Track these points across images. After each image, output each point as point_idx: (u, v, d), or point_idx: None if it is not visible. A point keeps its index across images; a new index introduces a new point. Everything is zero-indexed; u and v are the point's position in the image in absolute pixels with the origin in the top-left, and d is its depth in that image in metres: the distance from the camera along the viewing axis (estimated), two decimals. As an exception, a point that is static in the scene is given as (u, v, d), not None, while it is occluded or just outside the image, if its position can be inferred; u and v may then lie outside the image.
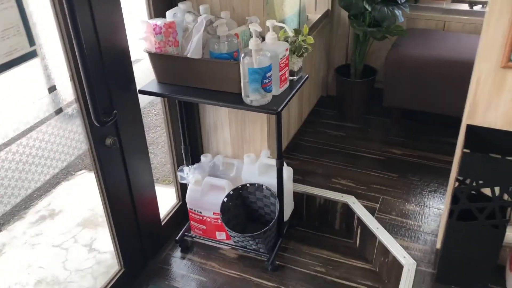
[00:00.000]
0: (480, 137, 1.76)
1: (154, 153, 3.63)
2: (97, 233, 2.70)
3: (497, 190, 1.69)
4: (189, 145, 2.37)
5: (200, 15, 1.96)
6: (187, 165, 2.40)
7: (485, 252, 1.80)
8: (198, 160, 2.43)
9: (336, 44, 3.48)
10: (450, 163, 2.73)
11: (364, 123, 3.26)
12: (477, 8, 3.31)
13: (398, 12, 2.78)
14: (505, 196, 1.69)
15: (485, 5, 3.29)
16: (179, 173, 2.34)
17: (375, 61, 3.42)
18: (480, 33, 3.16)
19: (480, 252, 1.81)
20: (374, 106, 3.37)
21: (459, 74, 2.80)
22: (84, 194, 3.12)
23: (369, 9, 2.72)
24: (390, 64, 3.00)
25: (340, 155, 2.89)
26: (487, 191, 1.78)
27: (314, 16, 3.13)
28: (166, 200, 2.57)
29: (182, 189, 2.55)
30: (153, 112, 4.30)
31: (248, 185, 2.31)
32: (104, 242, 2.59)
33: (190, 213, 2.40)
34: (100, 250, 2.56)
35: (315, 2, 3.21)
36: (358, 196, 2.49)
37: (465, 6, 3.33)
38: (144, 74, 2.12)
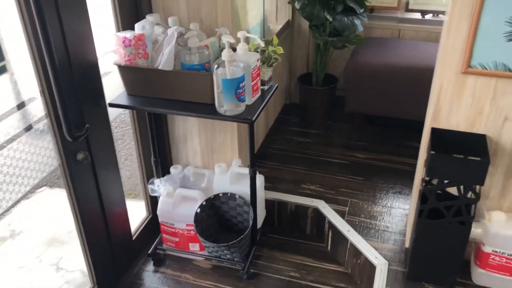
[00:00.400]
0: (444, 139, 1.85)
1: (118, 167, 3.56)
2: (63, 251, 2.61)
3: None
4: (159, 157, 2.36)
5: (169, 27, 1.97)
6: (158, 177, 2.38)
7: (453, 248, 1.89)
8: (167, 172, 2.42)
9: (297, 53, 3.56)
10: (411, 165, 2.85)
11: (328, 129, 3.35)
12: (428, 17, 3.48)
13: (357, 22, 2.89)
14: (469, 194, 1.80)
15: (435, 14, 3.47)
16: (150, 186, 2.32)
17: (335, 69, 3.53)
18: (432, 40, 3.33)
19: (448, 248, 1.90)
20: (336, 113, 3.47)
21: (415, 79, 2.94)
22: (46, 211, 3.02)
23: (330, 19, 2.81)
24: (350, 72, 3.11)
25: (307, 161, 2.95)
26: (450, 189, 1.88)
27: (276, 26, 3.20)
28: (134, 214, 2.53)
29: (152, 202, 2.52)
30: (113, 125, 4.23)
31: (220, 194, 2.32)
32: (72, 260, 2.52)
33: (162, 226, 2.38)
34: (68, 269, 2.48)
35: (276, 13, 3.28)
36: (327, 201, 2.55)
37: (417, 15, 3.50)
38: (110, 87, 2.10)
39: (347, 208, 2.51)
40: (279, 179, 2.77)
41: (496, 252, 1.90)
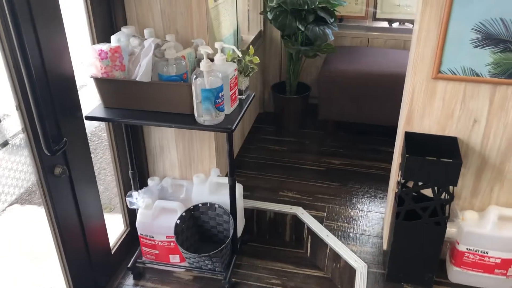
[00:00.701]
0: (417, 142, 1.92)
1: (92, 181, 3.50)
2: (40, 268, 2.55)
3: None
4: (136, 169, 2.34)
5: (145, 39, 1.97)
6: (135, 190, 2.36)
7: (429, 248, 1.95)
8: (145, 185, 2.40)
9: (270, 63, 3.61)
10: (385, 169, 2.93)
11: (302, 137, 3.40)
12: (395, 25, 3.60)
13: (328, 31, 2.96)
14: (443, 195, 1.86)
15: (402, 23, 3.59)
16: (128, 199, 2.30)
17: (308, 78, 3.60)
18: (400, 47, 3.43)
19: (425, 248, 1.96)
20: (310, 120, 3.53)
21: (385, 86, 3.02)
22: (18, 229, 2.93)
23: (302, 29, 2.87)
24: (323, 80, 3.17)
25: (283, 169, 2.99)
26: (424, 191, 1.95)
27: (248, 36, 3.24)
28: (111, 227, 2.50)
29: (129, 215, 2.50)
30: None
31: (200, 205, 2.32)
32: (49, 277, 2.46)
33: (141, 239, 2.36)
34: (46, 287, 2.42)
35: (248, 24, 3.32)
36: (305, 207, 2.58)
37: (385, 24, 3.61)
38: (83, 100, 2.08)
39: (325, 214, 2.55)
40: (257, 187, 2.79)
41: (470, 250, 1.96)
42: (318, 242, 2.39)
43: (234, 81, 1.93)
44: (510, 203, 1.99)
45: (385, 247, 2.26)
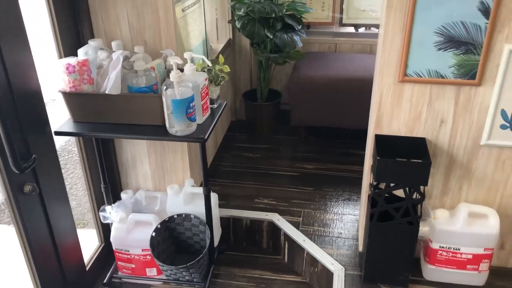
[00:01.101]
0: (387, 144, 1.95)
1: (63, 197, 3.43)
2: (11, 290, 2.48)
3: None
4: (109, 183, 2.31)
5: (113, 51, 1.95)
6: (109, 204, 2.33)
7: (403, 247, 1.99)
8: (118, 198, 2.37)
9: (240, 71, 3.63)
10: (357, 171, 2.97)
11: (275, 143, 3.42)
12: (361, 30, 3.67)
13: (296, 38, 2.99)
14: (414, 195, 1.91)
15: (368, 28, 3.66)
16: (101, 214, 2.26)
17: (278, 84, 3.63)
18: (367, 52, 3.50)
19: (399, 248, 1.99)
20: (282, 126, 3.55)
21: (354, 90, 3.08)
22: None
23: (271, 37, 2.90)
24: (293, 87, 3.20)
25: (258, 176, 2.99)
26: (396, 192, 1.99)
27: (218, 45, 3.24)
28: (85, 243, 2.45)
29: (103, 230, 2.46)
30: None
31: (175, 216, 2.30)
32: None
33: (117, 253, 2.32)
34: (18, 308, 2.35)
35: (217, 32, 3.33)
36: (281, 213, 2.59)
37: (351, 29, 3.68)
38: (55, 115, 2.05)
39: (301, 219, 2.57)
40: (232, 195, 2.78)
41: (443, 247, 2.01)
42: (295, 248, 2.40)
43: (205, 90, 1.93)
44: (479, 200, 2.05)
45: (360, 248, 2.29)
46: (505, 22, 1.70)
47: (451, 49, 1.78)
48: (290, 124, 3.36)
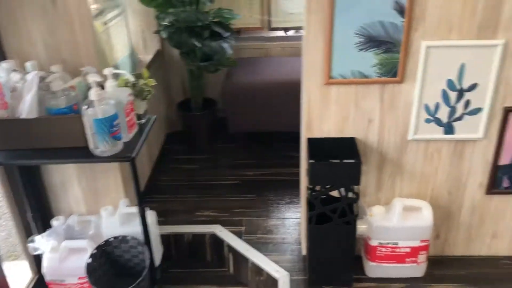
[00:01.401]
0: (319, 146, 1.96)
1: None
2: None
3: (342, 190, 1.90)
4: (37, 211, 2.17)
5: (27, 72, 1.84)
6: (39, 233, 2.19)
7: (344, 247, 2.00)
8: (49, 226, 2.24)
9: (172, 81, 3.55)
10: (298, 174, 2.97)
11: (214, 153, 3.37)
12: (291, 33, 3.70)
13: (226, 45, 2.96)
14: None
15: (297, 30, 3.70)
16: (29, 245, 2.13)
17: (213, 92, 3.58)
18: (298, 55, 3.52)
19: (340, 248, 2.01)
20: (220, 135, 3.51)
21: (288, 93, 3.08)
22: None
23: (199, 46, 2.85)
24: (227, 94, 3.17)
25: (198, 188, 2.93)
26: (334, 193, 2.00)
27: (146, 57, 3.16)
28: (17, 277, 2.30)
29: (36, 261, 2.31)
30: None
31: (111, 239, 2.20)
32: None
33: (51, 285, 2.19)
34: None
35: (144, 44, 3.24)
36: (223, 224, 2.55)
37: (281, 33, 3.70)
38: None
39: (244, 228, 2.54)
40: (172, 211, 2.71)
41: (382, 243, 2.04)
42: (239, 258, 2.37)
43: (130, 106, 1.86)
44: (412, 193, 2.10)
45: (304, 252, 2.29)
46: (420, 20, 1.76)
47: (372, 49, 1.81)
48: (228, 132, 3.33)
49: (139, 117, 2.00)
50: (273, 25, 3.71)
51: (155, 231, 2.33)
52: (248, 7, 3.64)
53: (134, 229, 2.19)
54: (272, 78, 3.16)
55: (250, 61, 3.48)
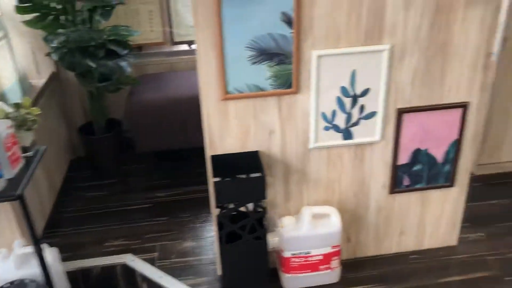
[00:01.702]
0: (223, 163, 1.92)
1: None
2: None
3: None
4: None
5: None
6: None
7: (257, 262, 1.97)
8: None
9: (71, 104, 3.34)
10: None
11: (123, 176, 3.20)
12: (194, 46, 3.63)
13: (123, 64, 2.83)
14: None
15: (200, 44, 3.64)
16: None
17: (116, 112, 3.41)
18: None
19: (253, 264, 1.97)
20: (129, 156, 3.35)
21: (194, 108, 3.01)
22: None
23: (94, 66, 2.70)
24: (130, 113, 3.04)
25: (107, 216, 2.77)
26: (243, 208, 1.96)
27: (39, 81, 2.95)
28: None
29: None
30: None
31: (7, 285, 1.99)
32: None
33: None
34: None
35: (37, 67, 3.02)
36: (135, 252, 2.42)
37: (185, 47, 3.63)
38: None
39: (157, 254, 2.42)
40: (79, 244, 2.52)
41: (294, 254, 2.03)
42: (153, 287, 2.25)
43: (11, 139, 1.69)
44: (320, 199, 2.12)
45: (219, 272, 2.22)
46: (308, 31, 1.77)
47: (265, 62, 1.80)
48: (136, 152, 3.19)
49: (25, 149, 1.84)
50: (176, 39, 3.63)
51: (58, 269, 2.15)
52: (149, 22, 3.53)
53: (33, 270, 2.01)
54: (177, 94, 3.07)
55: (154, 77, 3.37)
